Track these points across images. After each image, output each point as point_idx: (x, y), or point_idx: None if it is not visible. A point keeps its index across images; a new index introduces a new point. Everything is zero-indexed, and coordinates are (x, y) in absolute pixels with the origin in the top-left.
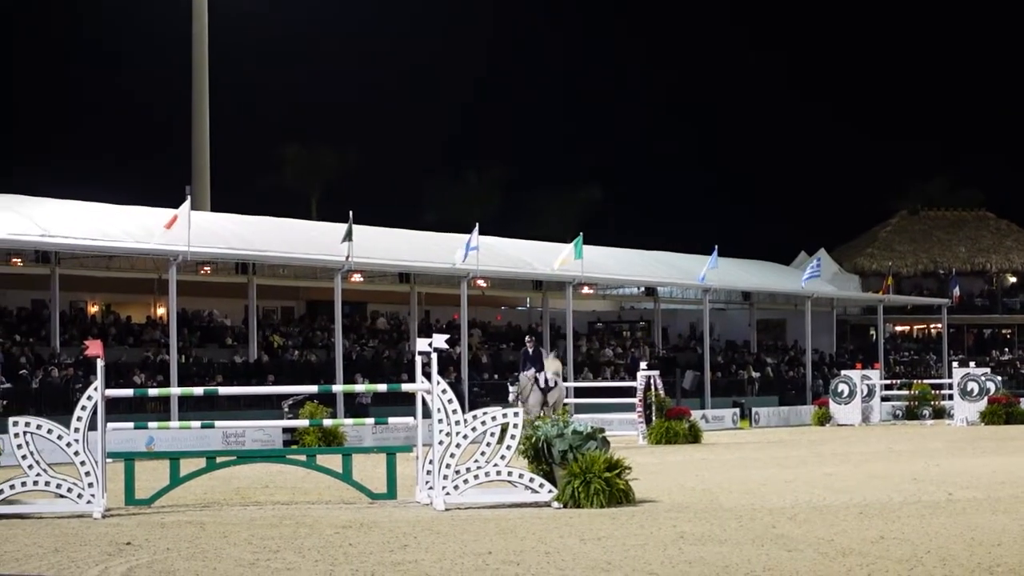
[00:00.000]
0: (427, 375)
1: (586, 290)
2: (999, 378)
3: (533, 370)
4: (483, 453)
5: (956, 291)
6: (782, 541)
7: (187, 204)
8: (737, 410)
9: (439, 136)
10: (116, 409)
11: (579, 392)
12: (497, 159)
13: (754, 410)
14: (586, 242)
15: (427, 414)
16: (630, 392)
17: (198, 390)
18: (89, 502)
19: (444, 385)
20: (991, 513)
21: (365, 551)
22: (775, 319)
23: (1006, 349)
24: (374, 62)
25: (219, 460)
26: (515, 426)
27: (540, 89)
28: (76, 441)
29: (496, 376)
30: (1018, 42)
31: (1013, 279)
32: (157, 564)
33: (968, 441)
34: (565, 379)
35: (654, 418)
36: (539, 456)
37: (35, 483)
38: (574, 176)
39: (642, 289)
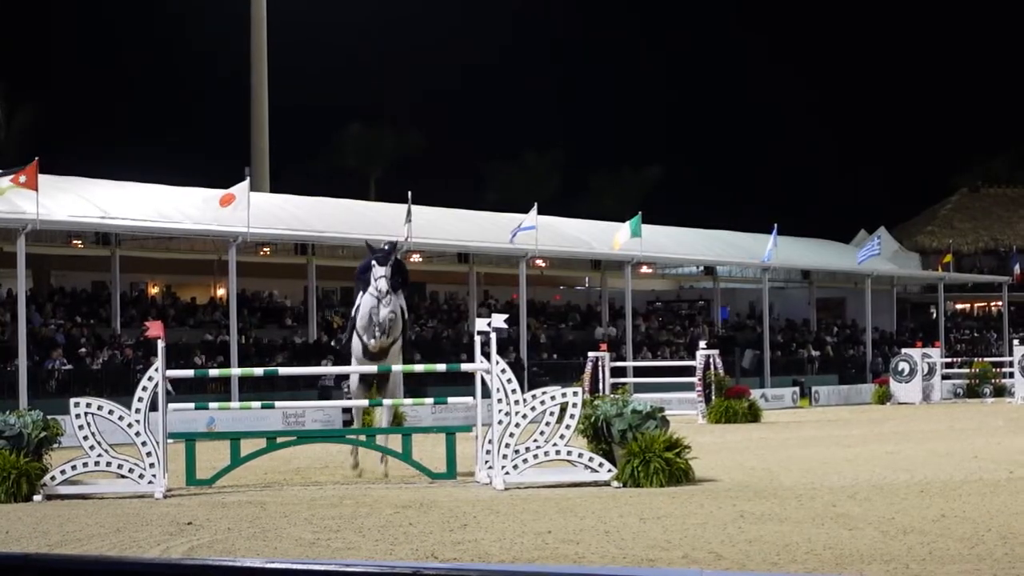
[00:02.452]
0: (486, 355)
1: (644, 269)
2: None
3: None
4: (542, 433)
5: (1017, 269)
6: (843, 520)
7: (246, 184)
8: (797, 389)
9: (499, 118)
10: (177, 390)
11: (639, 371)
12: (557, 140)
13: (814, 389)
14: (645, 221)
15: (486, 394)
16: (690, 371)
17: (258, 371)
18: (151, 482)
19: (503, 365)
20: None
21: (425, 530)
22: (835, 297)
23: None
24: (437, 45)
25: (279, 440)
26: (574, 405)
27: (599, 70)
28: (137, 422)
29: (555, 356)
30: None
31: None
32: (218, 544)
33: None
34: (623, 358)
35: (713, 397)
36: (598, 435)
37: (96, 464)
38: (633, 156)
39: (701, 268)
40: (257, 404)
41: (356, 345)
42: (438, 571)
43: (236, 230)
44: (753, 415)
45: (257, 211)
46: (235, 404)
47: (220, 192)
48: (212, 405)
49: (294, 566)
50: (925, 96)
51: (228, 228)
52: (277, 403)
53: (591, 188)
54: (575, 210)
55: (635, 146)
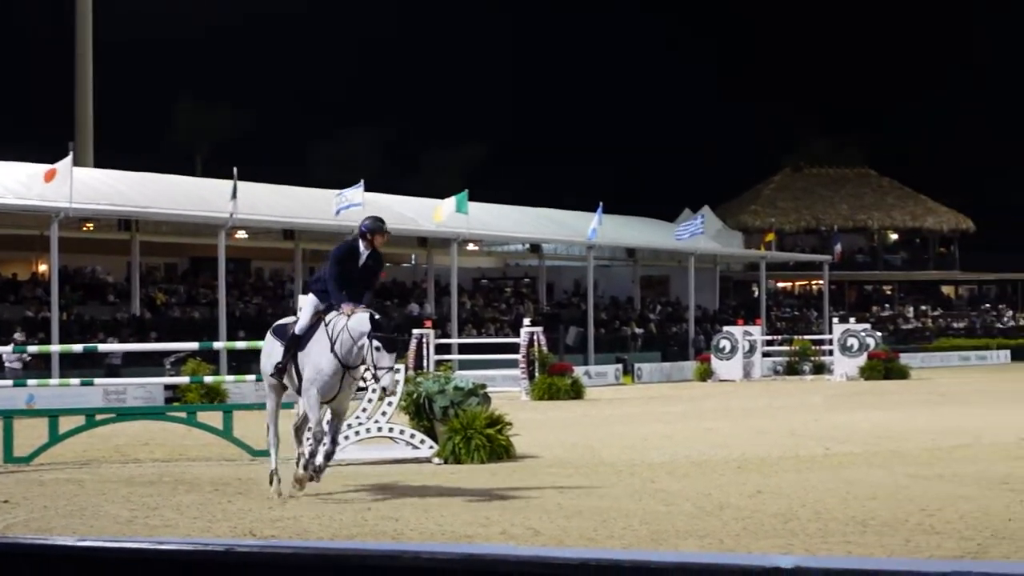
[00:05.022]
0: None
1: (471, 247)
2: (879, 334)
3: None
4: (364, 410)
5: (838, 248)
6: (660, 496)
7: (69, 159)
8: (620, 366)
9: (327, 95)
10: None
11: (463, 348)
12: (383, 117)
13: (637, 366)
14: (471, 199)
15: None
16: (514, 348)
17: (78, 347)
18: None
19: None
20: (867, 467)
21: (244, 508)
22: (659, 276)
23: (886, 305)
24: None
25: (98, 418)
26: (397, 382)
27: (426, 49)
28: None
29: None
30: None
31: (894, 236)
32: (34, 522)
33: (847, 396)
34: (448, 335)
35: (537, 374)
36: (420, 412)
37: None
38: (460, 134)
39: (527, 246)
40: (76, 381)
41: (326, 361)
42: (251, 548)
43: (58, 205)
44: (576, 392)
45: (80, 186)
46: (54, 381)
47: (45, 167)
48: (31, 382)
49: (106, 544)
50: (748, 76)
51: (50, 203)
52: (97, 380)
53: (418, 166)
54: (401, 188)
55: (462, 124)
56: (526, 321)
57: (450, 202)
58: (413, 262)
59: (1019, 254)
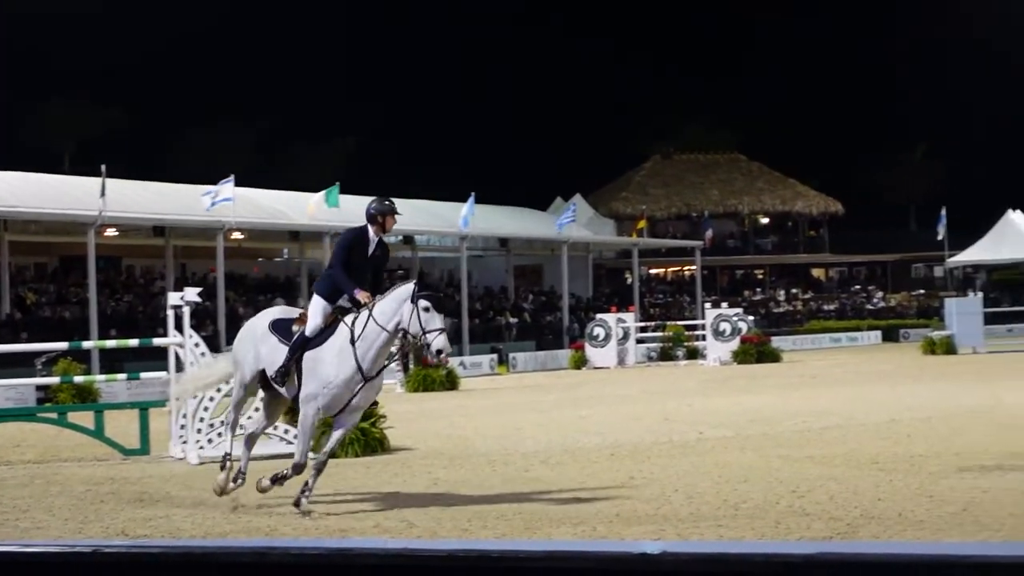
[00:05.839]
0: (180, 329)
1: None
2: (751, 318)
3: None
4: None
5: (709, 233)
6: (534, 484)
7: None
8: (495, 356)
9: (196, 90)
10: None
11: None
12: (254, 111)
13: (511, 355)
14: (344, 192)
15: (182, 368)
16: None
17: None
18: None
19: (197, 339)
20: (739, 451)
21: (116, 508)
22: (532, 264)
23: (758, 289)
24: (131, 15)
25: None
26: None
27: (295, 41)
28: None
29: None
30: None
31: (764, 220)
32: None
33: (720, 381)
34: None
35: (411, 366)
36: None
37: None
38: (331, 127)
39: (400, 237)
40: None
41: (340, 369)
42: (119, 548)
43: None
44: (451, 383)
45: None
46: None
47: None
48: None
49: None
50: (616, 63)
51: None
52: None
53: (289, 159)
54: (273, 182)
55: (334, 117)
56: None
57: (321, 195)
58: (285, 256)
59: (888, 236)
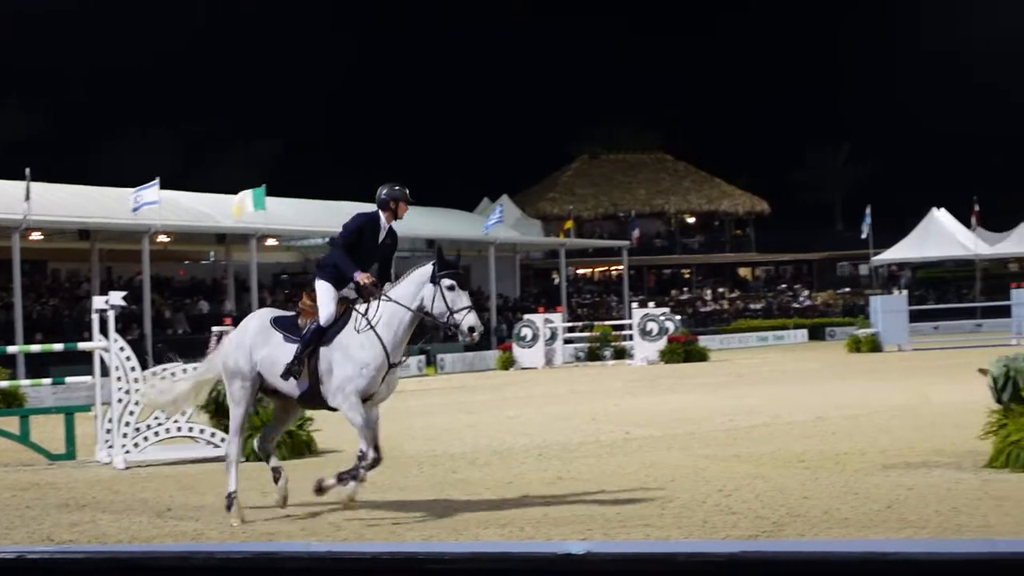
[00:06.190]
0: (105, 333)
1: (270, 242)
2: (678, 317)
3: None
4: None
5: (636, 233)
6: (462, 486)
7: None
8: (423, 357)
9: (121, 93)
10: None
11: None
12: (181, 114)
13: (439, 356)
14: (270, 194)
15: (107, 372)
16: None
17: None
18: None
19: (122, 343)
20: (667, 450)
21: (42, 513)
22: (460, 265)
23: (685, 288)
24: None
25: None
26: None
27: (222, 43)
28: None
29: (181, 332)
30: None
31: (691, 220)
32: None
33: (647, 380)
34: None
35: None
36: (220, 410)
37: None
38: (258, 128)
39: (327, 240)
40: None
41: (368, 354)
42: (43, 554)
43: None
44: None
45: None
46: None
47: None
48: None
49: None
50: (544, 62)
51: None
52: None
53: (215, 162)
54: (199, 184)
55: (260, 119)
56: None
57: (247, 198)
58: (212, 259)
59: (813, 235)
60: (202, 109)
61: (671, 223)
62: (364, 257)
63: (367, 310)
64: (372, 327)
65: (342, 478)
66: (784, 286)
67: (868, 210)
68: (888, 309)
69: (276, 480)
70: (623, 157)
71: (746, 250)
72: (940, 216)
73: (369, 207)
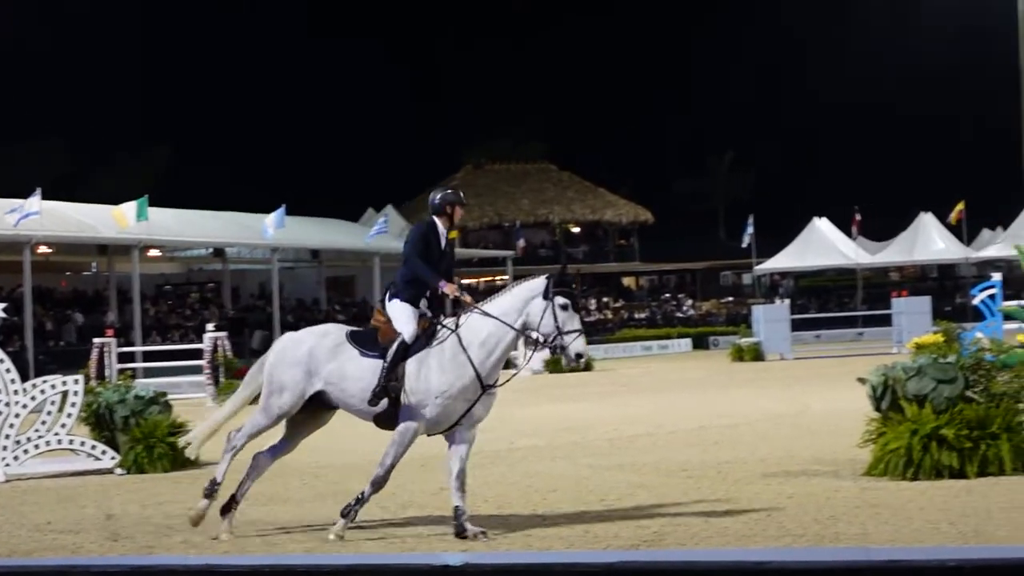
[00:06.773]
0: None
1: (153, 252)
2: None
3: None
4: (44, 422)
5: (521, 242)
6: (346, 497)
7: None
8: None
9: (4, 102)
10: None
11: (148, 356)
12: (61, 124)
13: None
14: (153, 204)
15: None
16: (199, 354)
17: None
18: None
19: (2, 354)
20: (550, 460)
21: None
22: (345, 276)
23: None
24: None
25: None
26: (75, 393)
27: (106, 52)
28: None
29: (63, 343)
30: None
31: (575, 229)
32: None
33: (532, 390)
34: (132, 343)
35: (222, 379)
36: (101, 423)
37: None
38: (141, 138)
39: (211, 250)
40: None
41: (455, 376)
42: None
43: None
44: None
45: None
46: None
47: None
48: None
49: None
50: (426, 73)
51: None
52: None
53: (97, 172)
54: (81, 195)
55: (143, 128)
56: (209, 327)
57: (131, 208)
58: (94, 270)
59: (697, 244)
60: (88, 118)
61: (555, 233)
62: (432, 267)
63: (457, 325)
64: (463, 347)
65: (349, 509)
66: (668, 295)
67: (750, 219)
68: (770, 318)
69: (208, 495)
70: (507, 167)
71: (630, 259)
72: (821, 225)
73: (250, 216)
